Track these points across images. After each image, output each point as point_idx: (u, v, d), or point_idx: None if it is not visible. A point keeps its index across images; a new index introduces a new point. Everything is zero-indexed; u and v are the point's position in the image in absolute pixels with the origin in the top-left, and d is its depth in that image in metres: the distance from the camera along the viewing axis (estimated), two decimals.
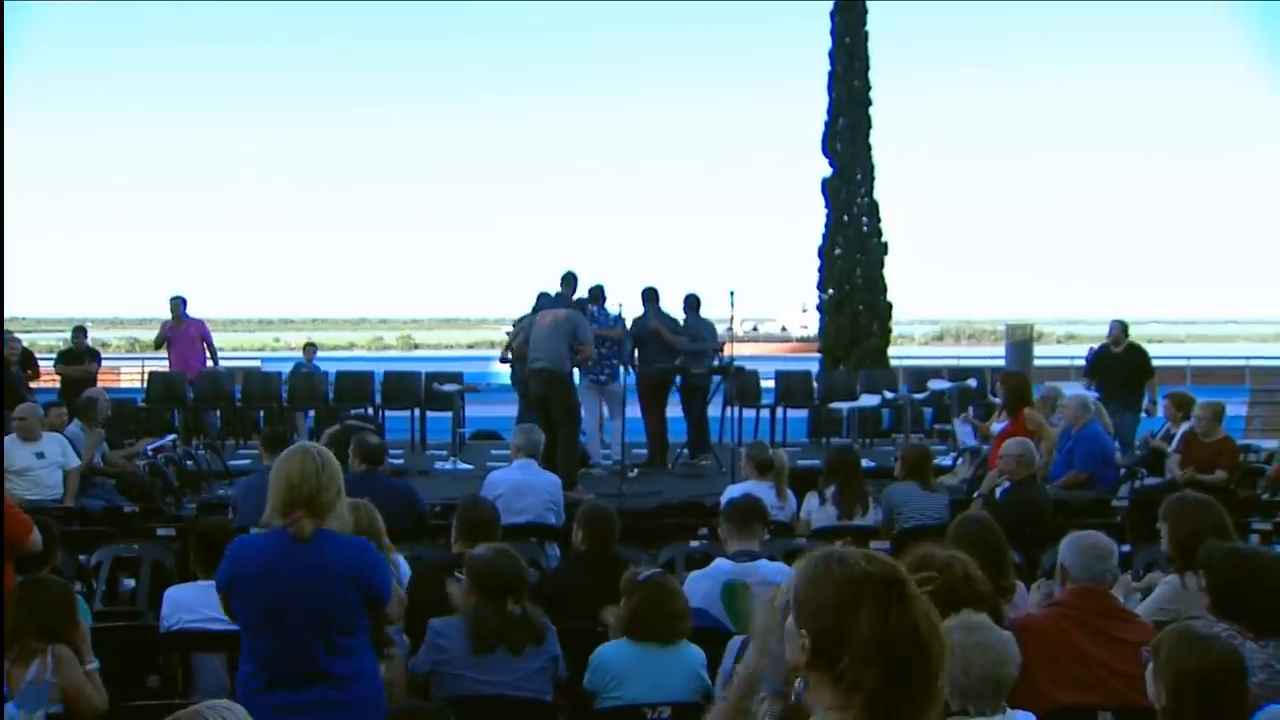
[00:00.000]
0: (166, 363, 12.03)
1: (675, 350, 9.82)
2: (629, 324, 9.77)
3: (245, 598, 2.99)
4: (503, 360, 10.94)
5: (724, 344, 10.30)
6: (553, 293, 9.36)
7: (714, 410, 10.45)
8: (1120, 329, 10.04)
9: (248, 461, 9.27)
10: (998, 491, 6.14)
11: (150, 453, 8.36)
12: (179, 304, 11.68)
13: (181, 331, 11.69)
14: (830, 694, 1.55)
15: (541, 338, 8.59)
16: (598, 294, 9.69)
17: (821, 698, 1.57)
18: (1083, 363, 10.42)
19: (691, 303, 10.13)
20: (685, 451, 10.04)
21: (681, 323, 10.03)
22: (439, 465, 9.90)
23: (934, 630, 1.55)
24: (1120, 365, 9.82)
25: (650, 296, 9.98)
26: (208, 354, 11.89)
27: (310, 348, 13.94)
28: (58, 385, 11.55)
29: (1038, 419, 7.53)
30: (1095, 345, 10.65)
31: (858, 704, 1.52)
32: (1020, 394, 7.72)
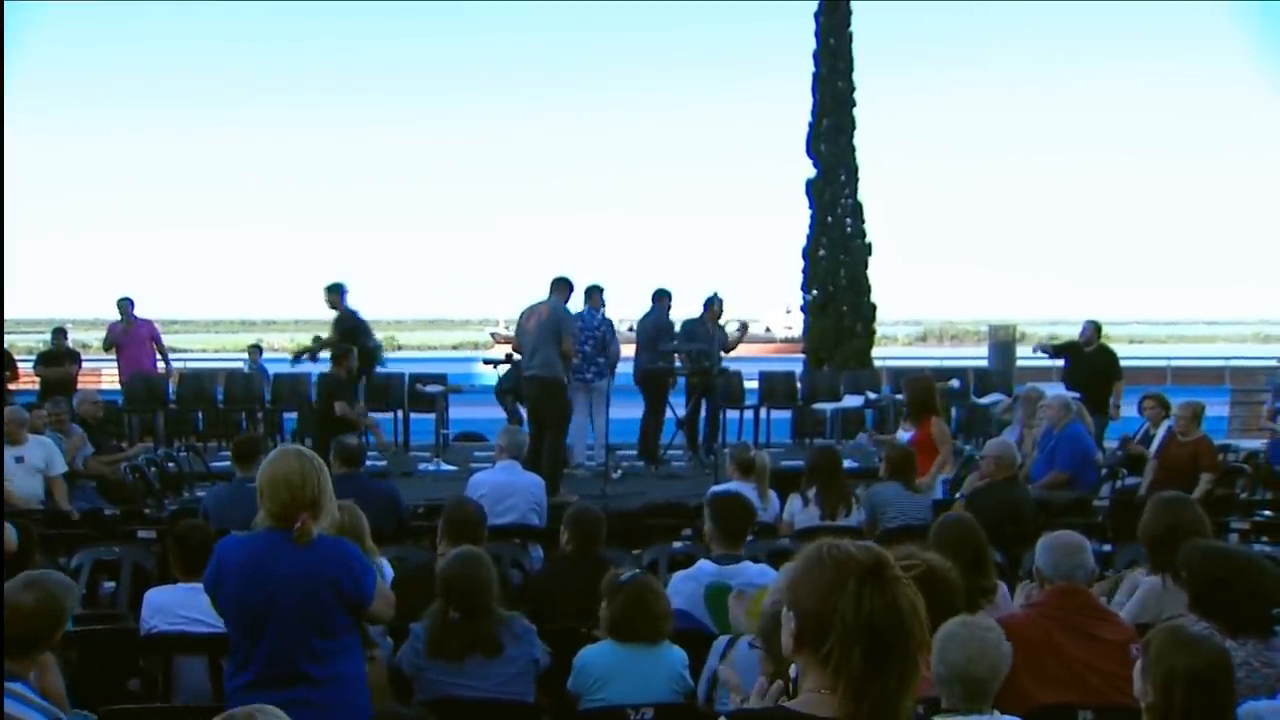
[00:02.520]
0: (116, 366, 11.90)
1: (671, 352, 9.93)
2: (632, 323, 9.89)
3: (229, 599, 2.98)
4: (487, 362, 10.95)
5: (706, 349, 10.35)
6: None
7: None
8: (1093, 329, 10.10)
9: (229, 463, 9.20)
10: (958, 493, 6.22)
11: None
12: (127, 305, 11.55)
13: (132, 333, 11.57)
14: (817, 675, 1.61)
15: (531, 343, 8.48)
16: (594, 294, 9.70)
17: (809, 679, 1.63)
18: (1061, 362, 10.49)
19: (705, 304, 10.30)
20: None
21: (680, 325, 10.12)
22: (422, 466, 9.87)
23: (915, 612, 1.60)
24: (1090, 365, 9.89)
25: (658, 297, 10.11)
26: (158, 355, 11.80)
27: (255, 349, 13.86)
28: (37, 387, 11.46)
29: (942, 427, 7.50)
30: (1068, 340, 10.75)
31: (843, 683, 1.57)
32: (925, 399, 7.61)
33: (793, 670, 1.68)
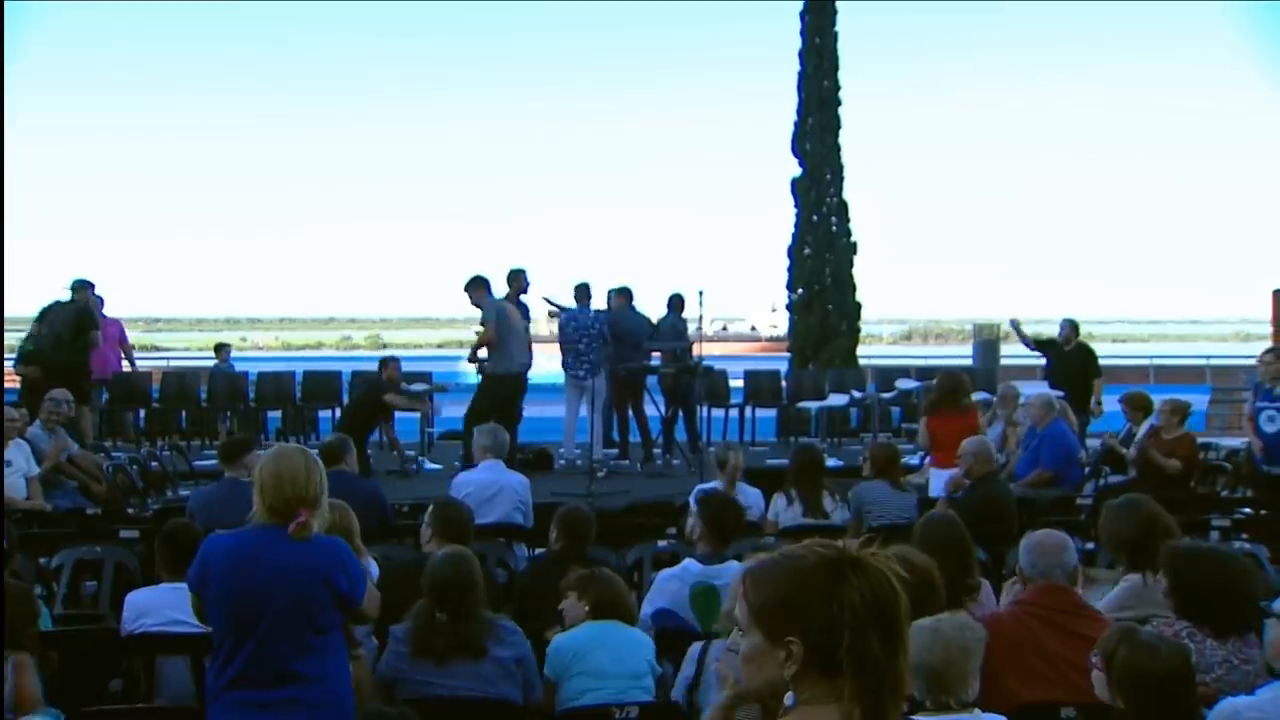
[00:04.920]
0: None
1: (647, 350, 9.91)
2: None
3: (217, 596, 2.96)
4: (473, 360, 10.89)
5: (691, 344, 10.36)
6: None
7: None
8: (1071, 328, 10.14)
9: (213, 462, 9.16)
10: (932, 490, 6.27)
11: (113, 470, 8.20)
12: (97, 303, 11.29)
13: (103, 332, 11.39)
14: (818, 688, 1.55)
15: (525, 341, 8.61)
16: (584, 292, 9.69)
17: (808, 695, 1.56)
18: (1044, 361, 10.53)
19: (674, 303, 10.33)
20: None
21: (655, 320, 10.12)
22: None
23: (901, 586, 1.58)
24: (1069, 364, 9.94)
25: (620, 294, 10.06)
26: (123, 355, 11.68)
27: (224, 348, 13.73)
28: (17, 386, 11.35)
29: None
30: (1037, 337, 10.80)
31: (852, 681, 1.52)
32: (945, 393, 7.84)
33: (788, 699, 1.58)
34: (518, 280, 9.72)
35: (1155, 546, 3.56)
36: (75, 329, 9.81)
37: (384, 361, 10.08)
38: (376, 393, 9.28)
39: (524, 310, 9.69)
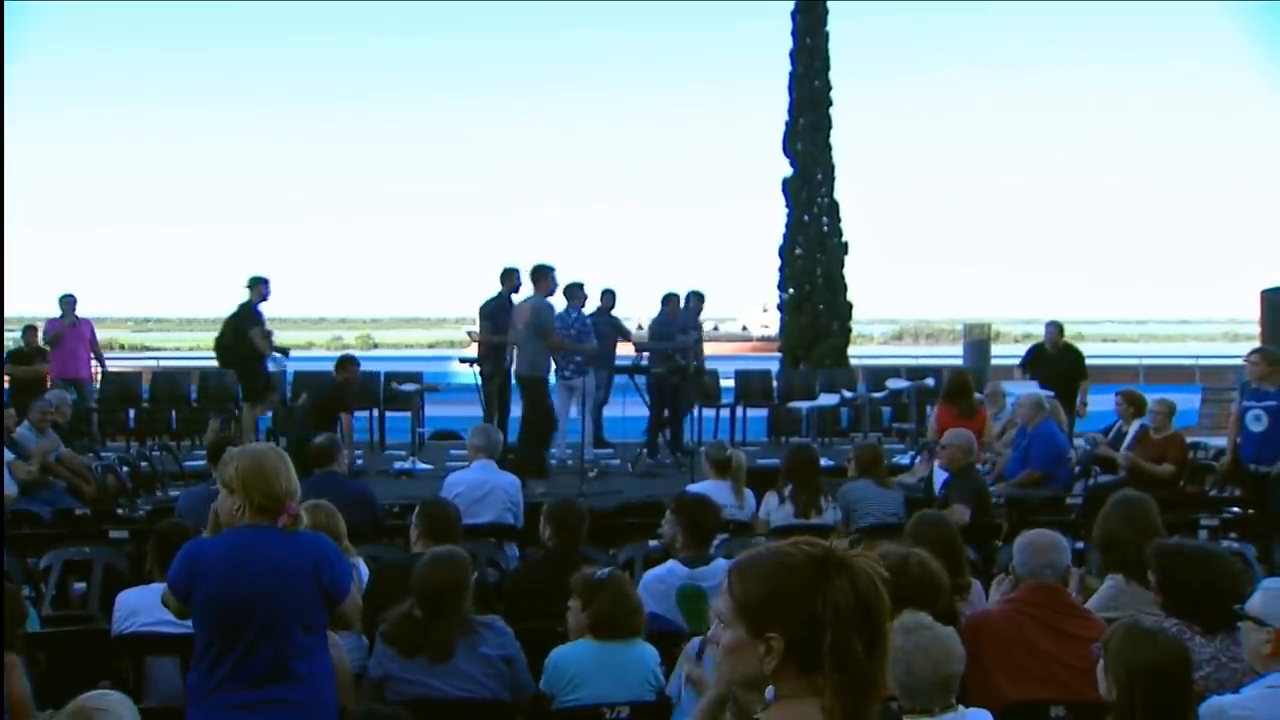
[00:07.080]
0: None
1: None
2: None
3: (209, 598, 2.94)
4: (464, 360, 10.86)
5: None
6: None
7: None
8: (1056, 330, 10.20)
9: (203, 463, 9.13)
10: (938, 485, 6.32)
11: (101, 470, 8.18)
12: (70, 302, 11.11)
13: (76, 331, 11.18)
14: (797, 683, 1.55)
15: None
16: (576, 292, 9.69)
17: (787, 691, 1.56)
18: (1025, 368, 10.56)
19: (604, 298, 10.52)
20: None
21: (640, 323, 10.16)
22: (398, 465, 9.83)
23: (883, 581, 1.58)
24: (1056, 366, 9.97)
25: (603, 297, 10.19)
26: (93, 356, 11.53)
27: None
28: (6, 385, 11.30)
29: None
30: (1032, 344, 10.84)
31: (834, 680, 1.52)
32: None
33: (769, 693, 1.58)
34: (509, 279, 9.76)
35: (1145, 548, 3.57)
36: (234, 327, 10.20)
37: (342, 362, 9.40)
38: (337, 391, 9.11)
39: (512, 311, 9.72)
